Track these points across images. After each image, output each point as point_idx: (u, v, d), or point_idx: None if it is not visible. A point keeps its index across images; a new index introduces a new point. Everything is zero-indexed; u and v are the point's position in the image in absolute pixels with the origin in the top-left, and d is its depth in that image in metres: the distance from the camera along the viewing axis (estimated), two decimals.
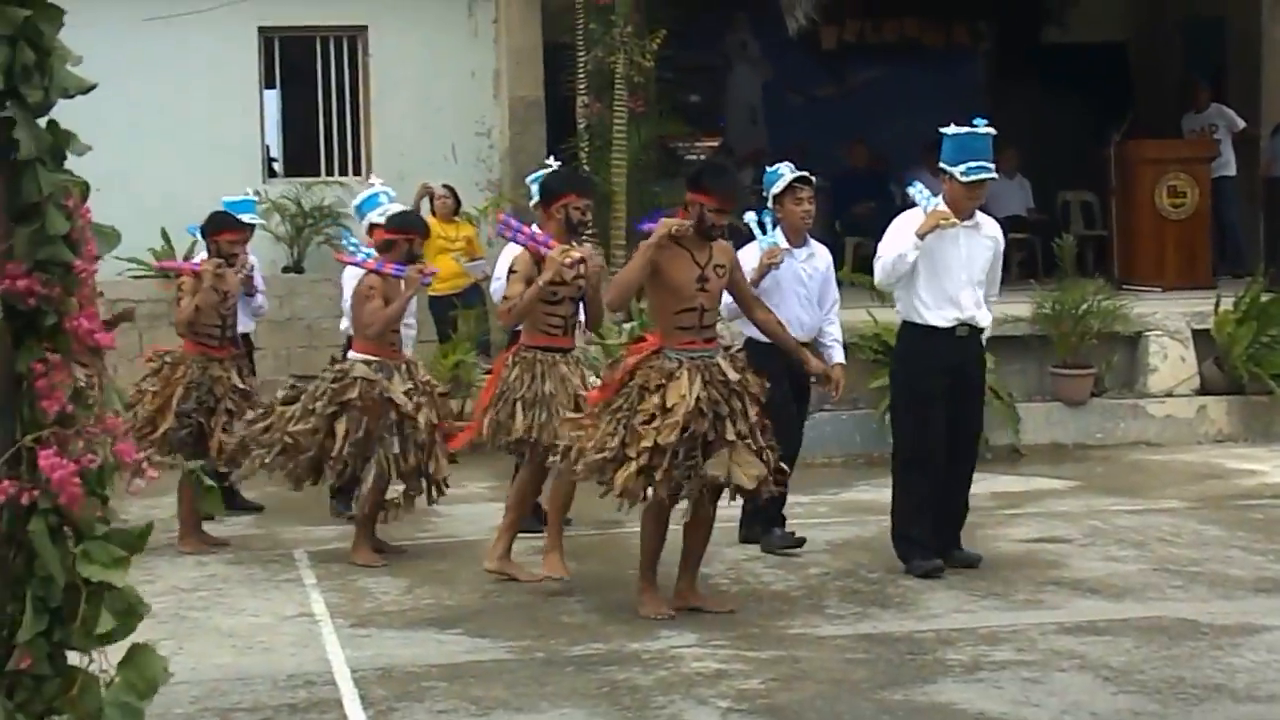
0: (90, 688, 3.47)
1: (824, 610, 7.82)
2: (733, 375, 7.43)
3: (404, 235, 9.26)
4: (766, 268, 8.77)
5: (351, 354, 9.15)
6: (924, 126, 16.92)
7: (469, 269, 13.90)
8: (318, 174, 15.96)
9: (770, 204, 9.04)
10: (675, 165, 13.77)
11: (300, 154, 16.80)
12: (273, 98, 17.67)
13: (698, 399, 7.28)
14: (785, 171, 9.02)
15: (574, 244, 8.36)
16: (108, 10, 14.93)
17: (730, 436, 7.31)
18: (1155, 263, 14.90)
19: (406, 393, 8.88)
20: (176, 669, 6.75)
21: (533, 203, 9.69)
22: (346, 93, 16.09)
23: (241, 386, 9.62)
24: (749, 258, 8.81)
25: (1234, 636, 7.08)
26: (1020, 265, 15.38)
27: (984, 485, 10.13)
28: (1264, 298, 12.88)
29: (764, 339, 8.35)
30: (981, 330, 8.46)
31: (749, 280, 8.51)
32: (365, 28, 15.96)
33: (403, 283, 9.10)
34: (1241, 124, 16.52)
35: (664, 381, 7.35)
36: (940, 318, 8.30)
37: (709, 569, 8.60)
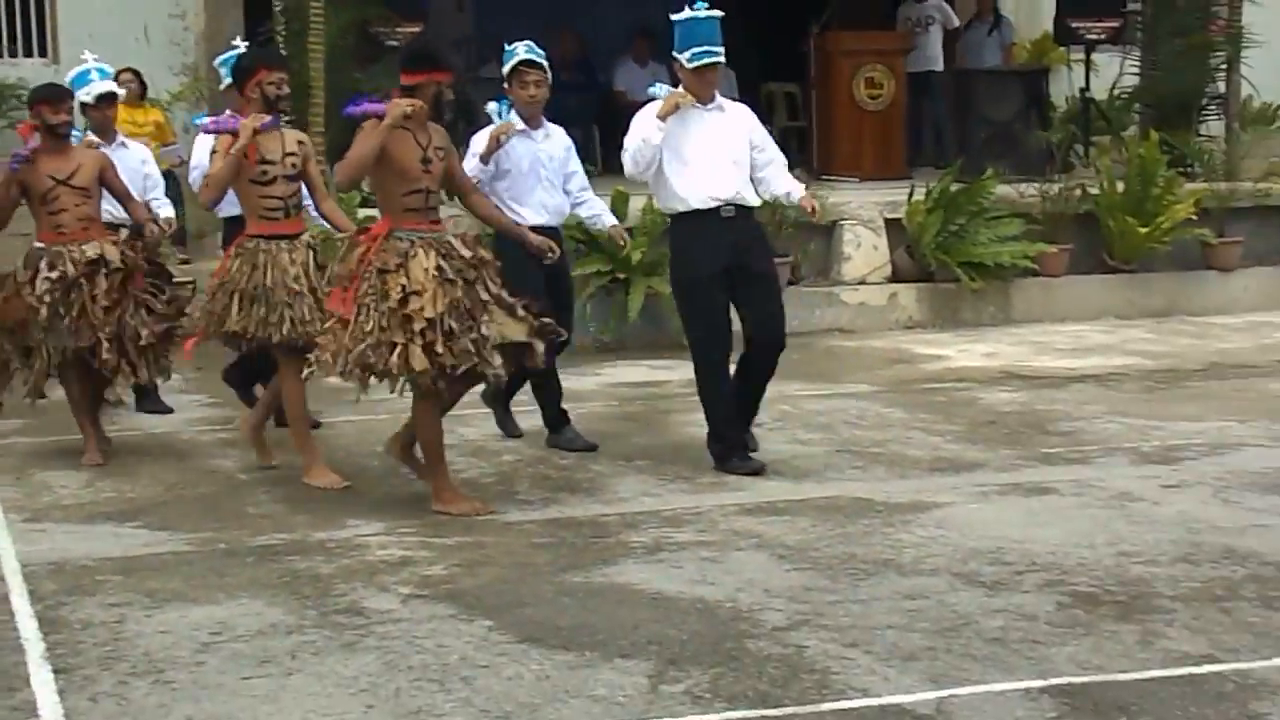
0: None
1: (514, 497, 7.84)
2: (465, 252, 7.38)
3: (32, 109, 8.91)
4: (495, 142, 8.61)
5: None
6: (635, 14, 17.05)
7: (162, 154, 13.49)
8: (1, 53, 15.32)
9: (505, 87, 8.90)
10: (375, 51, 13.47)
11: None
12: None
13: (440, 269, 7.23)
14: (519, 50, 8.86)
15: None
16: None
17: (485, 297, 7.28)
18: (852, 154, 15.19)
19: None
20: None
21: (223, 85, 9.43)
22: None
23: None
24: (479, 142, 8.71)
25: (905, 514, 7.30)
26: None
27: (679, 373, 10.27)
28: (954, 188, 13.22)
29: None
30: (752, 210, 8.32)
31: (479, 156, 8.54)
32: None
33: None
34: (956, 21, 16.92)
35: (401, 261, 7.26)
36: (699, 200, 8.16)
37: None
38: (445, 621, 5.89)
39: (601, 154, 15.61)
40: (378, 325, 7.17)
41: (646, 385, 10.82)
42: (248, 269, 8.06)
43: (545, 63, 8.86)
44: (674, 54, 8.22)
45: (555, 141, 9.01)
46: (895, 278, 13.25)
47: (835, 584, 6.27)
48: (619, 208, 12.39)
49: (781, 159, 8.54)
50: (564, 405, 9.01)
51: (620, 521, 7.28)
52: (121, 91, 10.79)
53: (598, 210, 9.25)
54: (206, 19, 15.26)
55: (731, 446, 8.25)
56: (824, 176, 14.84)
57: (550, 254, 8.27)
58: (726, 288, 8.19)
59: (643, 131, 8.17)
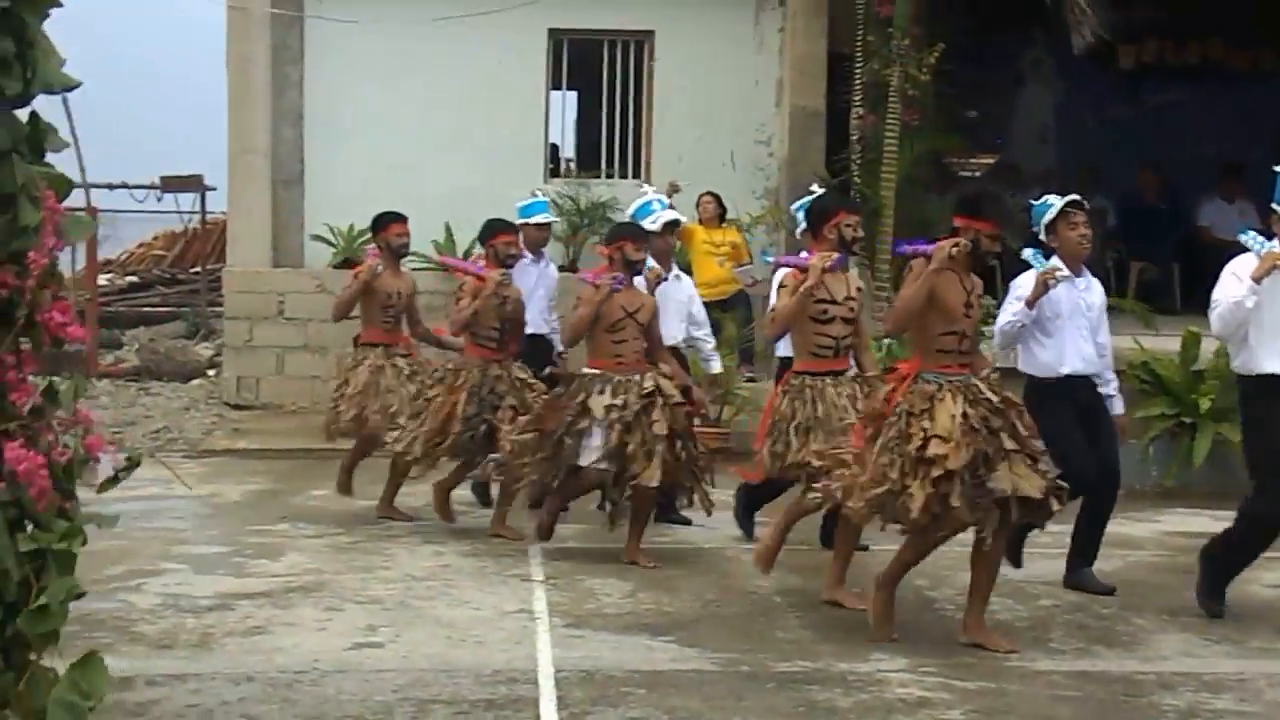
0: (38, 683, 3.46)
1: (1046, 644, 7.60)
2: (993, 396, 7.29)
3: (614, 245, 9.36)
4: (1044, 286, 8.43)
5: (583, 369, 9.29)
6: (1220, 152, 16.50)
7: (736, 274, 13.93)
8: (598, 175, 16.20)
9: (1043, 235, 8.72)
10: (947, 181, 13.56)
11: (586, 155, 17.13)
12: (571, 99, 18.09)
13: (965, 415, 7.17)
14: (1055, 200, 8.70)
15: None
16: (398, 9, 15.46)
17: (1009, 446, 7.17)
18: None
19: (609, 407, 8.93)
20: (388, 657, 7.03)
21: (799, 230, 9.64)
22: (630, 96, 16.29)
23: (526, 380, 9.91)
24: (1024, 286, 8.54)
25: None
26: None
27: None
28: None
29: (1040, 374, 8.44)
30: None
31: (1024, 301, 8.40)
32: (652, 32, 16.16)
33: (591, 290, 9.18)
34: None
35: (928, 405, 7.24)
36: (1277, 367, 7.78)
37: (937, 593, 8.48)
38: None
39: (1181, 292, 15.13)
40: (900, 471, 7.15)
41: (1204, 536, 10.24)
42: (798, 404, 8.24)
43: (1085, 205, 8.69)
44: (1274, 205, 7.83)
45: (1095, 293, 8.78)
46: None
47: None
48: (1190, 348, 11.98)
49: None
50: (1116, 551, 8.69)
51: (1156, 681, 6.94)
52: (683, 218, 11.24)
53: (1115, 390, 8.85)
54: (790, 146, 15.67)
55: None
56: None
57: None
58: None
59: (1235, 293, 7.80)
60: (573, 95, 18.32)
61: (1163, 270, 15.73)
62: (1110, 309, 13.33)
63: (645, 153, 16.31)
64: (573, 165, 17.37)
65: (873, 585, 7.64)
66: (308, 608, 8.03)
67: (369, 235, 13.23)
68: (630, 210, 10.72)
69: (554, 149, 17.11)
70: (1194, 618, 8.07)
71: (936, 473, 7.05)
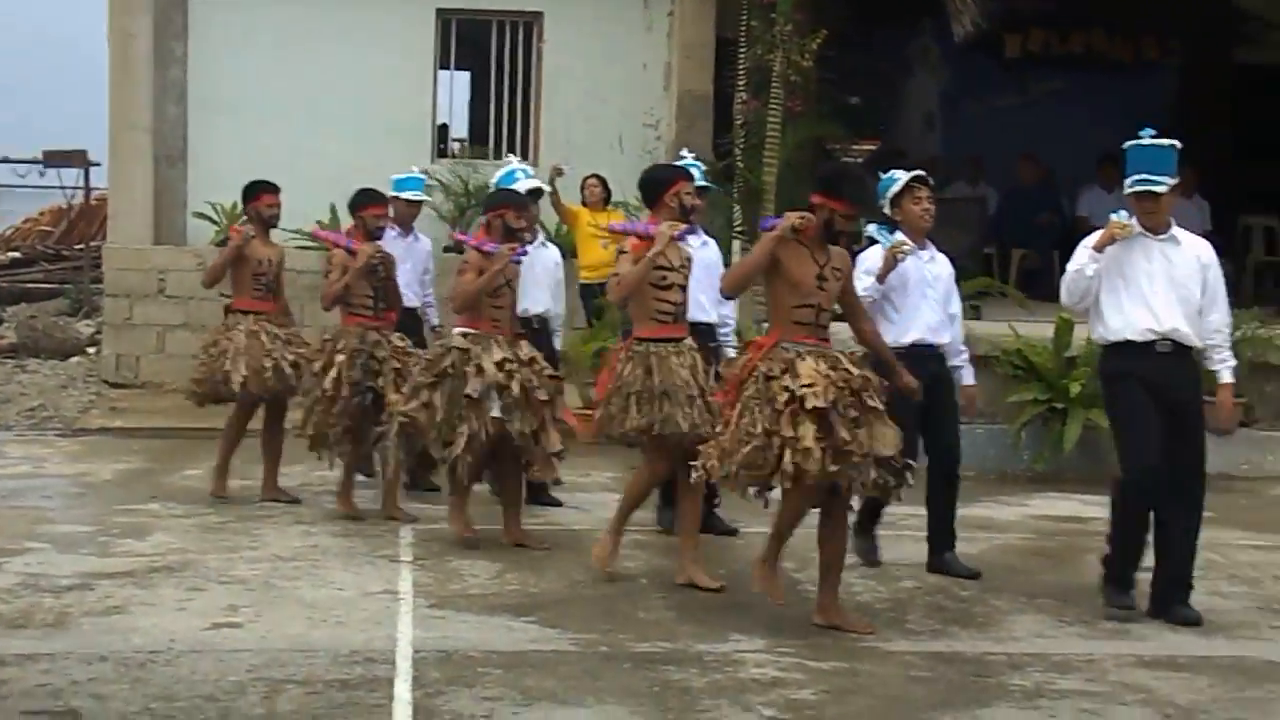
0: None
1: (903, 625, 7.70)
2: (852, 369, 7.38)
3: (494, 211, 9.38)
4: (893, 260, 8.55)
5: (454, 329, 9.26)
6: (1104, 141, 16.68)
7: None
8: (488, 157, 16.16)
9: (888, 209, 8.87)
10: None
11: (477, 136, 17.11)
12: (463, 80, 18.05)
13: (827, 374, 7.26)
14: (900, 174, 8.87)
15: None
16: None
17: (871, 404, 7.27)
18: None
19: (500, 363, 8.94)
20: (246, 637, 7.00)
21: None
22: (519, 77, 16.26)
23: (405, 348, 9.95)
24: (872, 259, 8.70)
25: None
26: None
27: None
28: None
29: (893, 345, 8.41)
30: (1189, 350, 7.93)
31: (874, 276, 8.53)
32: (541, 14, 16.15)
33: (494, 258, 9.14)
34: None
35: (786, 367, 7.33)
36: (1131, 330, 7.86)
37: (803, 574, 8.54)
38: None
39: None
40: (764, 425, 7.21)
41: (1072, 520, 10.48)
42: (640, 372, 8.27)
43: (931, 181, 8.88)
44: (1124, 180, 7.98)
45: (941, 265, 8.96)
46: None
47: None
48: (1062, 335, 12.15)
49: (1221, 316, 8.00)
50: (981, 534, 8.82)
51: (1006, 662, 7.05)
52: (548, 188, 11.30)
53: (964, 361, 9.08)
54: (677, 129, 15.73)
55: (1119, 579, 7.95)
56: None
57: (916, 397, 8.12)
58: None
59: (1077, 261, 7.96)
60: (465, 76, 18.27)
61: (1044, 258, 15.90)
62: (987, 294, 13.59)
63: (534, 134, 16.30)
64: (465, 145, 17.33)
65: (754, 567, 7.71)
66: (169, 588, 7.98)
67: None
68: (495, 178, 10.78)
69: (444, 129, 17.06)
70: (1051, 600, 8.19)
71: (809, 418, 7.10)
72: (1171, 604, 7.83)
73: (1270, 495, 11.67)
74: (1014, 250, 16.09)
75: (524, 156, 16.12)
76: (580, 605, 7.90)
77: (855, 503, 7.75)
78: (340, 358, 9.78)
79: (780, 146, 13.07)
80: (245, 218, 10.87)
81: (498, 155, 16.20)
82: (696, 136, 15.37)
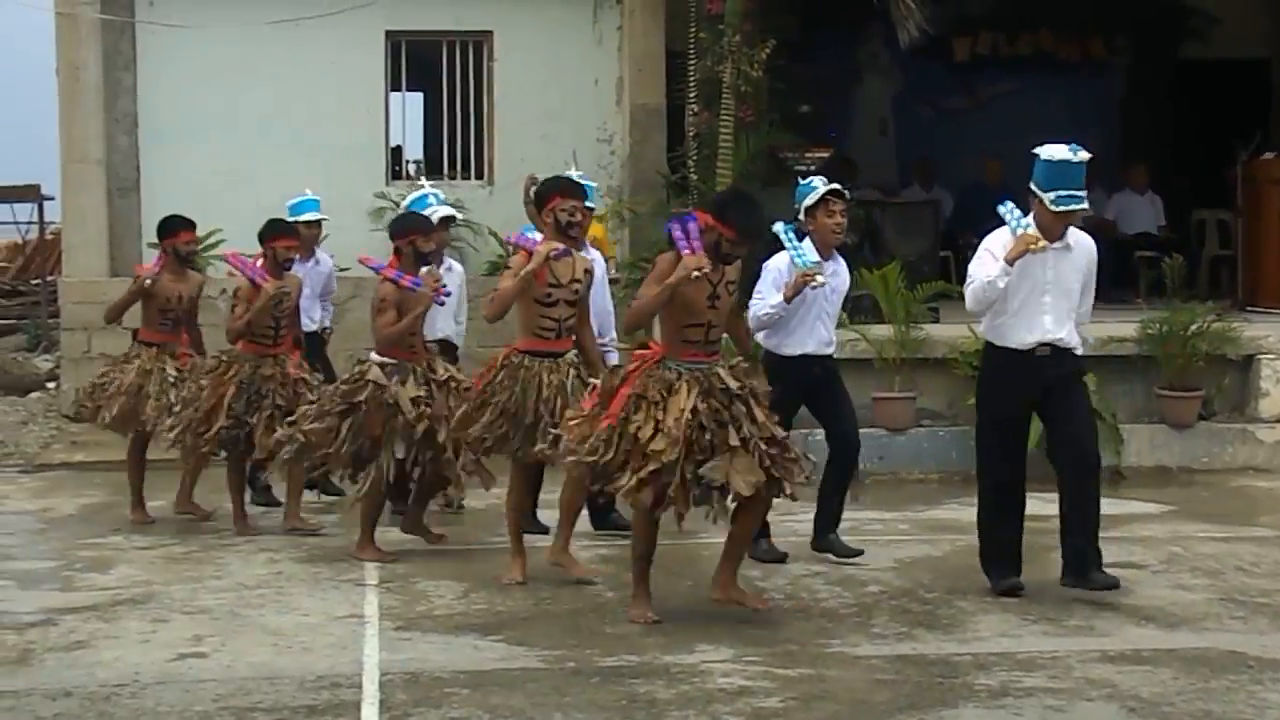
0: None
1: (869, 629, 7.73)
2: (733, 384, 7.48)
3: (404, 239, 9.34)
4: (802, 287, 8.67)
5: (371, 355, 9.25)
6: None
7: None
8: (443, 177, 16.14)
9: (801, 215, 8.94)
10: (784, 176, 13.62)
11: (432, 158, 17.09)
12: (416, 101, 18.02)
13: (695, 410, 7.38)
14: (819, 184, 8.94)
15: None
16: (232, 12, 15.32)
17: (733, 442, 7.39)
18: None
19: (416, 399, 9.00)
20: (212, 666, 6.99)
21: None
22: (471, 97, 16.26)
23: (300, 376, 10.05)
24: (779, 265, 8.83)
25: (1277, 672, 6.86)
26: (1149, 284, 15.08)
27: None
28: None
29: (781, 353, 8.84)
30: (1067, 350, 8.16)
31: (782, 296, 8.71)
32: (491, 33, 16.15)
33: (416, 298, 9.16)
34: None
35: (662, 395, 7.45)
36: (1019, 340, 8.07)
37: (768, 584, 8.56)
38: None
39: None
40: (619, 450, 7.42)
41: (1034, 519, 10.45)
42: (508, 383, 8.43)
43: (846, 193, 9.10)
44: (1031, 186, 8.00)
45: (841, 276, 9.16)
46: None
47: None
48: None
49: (1087, 307, 8.32)
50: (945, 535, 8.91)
51: (972, 662, 7.08)
52: (458, 215, 11.64)
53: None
54: (631, 144, 15.75)
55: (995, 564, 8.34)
56: (1248, 308, 14.24)
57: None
58: (1047, 427, 8.26)
59: (988, 272, 8.00)
60: (418, 97, 18.25)
61: None
62: (946, 297, 13.63)
63: (488, 153, 16.29)
64: (421, 167, 17.31)
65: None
66: (134, 620, 7.95)
67: (205, 239, 13.19)
68: (406, 203, 10.84)
69: (398, 151, 17.04)
70: (1014, 599, 8.22)
71: (652, 466, 7.33)
72: (1088, 570, 8.10)
73: (1229, 487, 11.75)
74: (969, 251, 16.11)
75: (479, 176, 16.20)
76: (546, 622, 7.91)
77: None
78: (230, 390, 9.92)
79: (734, 157, 13.11)
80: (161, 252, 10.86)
81: (452, 177, 16.23)
82: (650, 150, 15.45)
